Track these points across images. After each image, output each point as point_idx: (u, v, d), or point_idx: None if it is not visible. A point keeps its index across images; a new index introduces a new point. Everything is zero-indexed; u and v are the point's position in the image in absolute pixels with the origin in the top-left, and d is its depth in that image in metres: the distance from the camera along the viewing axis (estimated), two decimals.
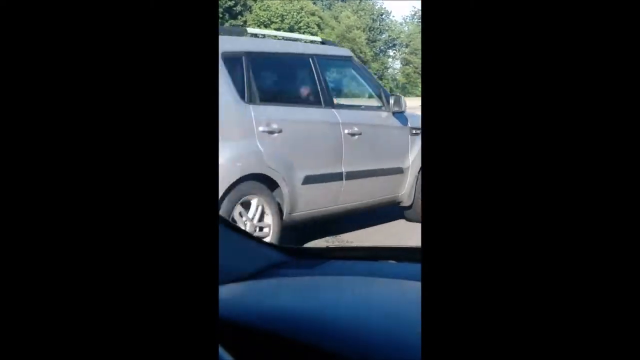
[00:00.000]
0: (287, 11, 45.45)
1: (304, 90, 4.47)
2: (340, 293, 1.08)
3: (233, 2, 44.21)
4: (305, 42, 4.88)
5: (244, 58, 3.92)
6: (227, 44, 3.87)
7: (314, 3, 52.20)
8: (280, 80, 4.50)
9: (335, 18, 54.42)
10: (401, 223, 5.11)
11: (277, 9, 45.36)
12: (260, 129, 3.84)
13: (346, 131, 4.35)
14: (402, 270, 1.29)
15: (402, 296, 1.02)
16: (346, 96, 6.27)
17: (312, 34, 45.89)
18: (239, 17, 44.84)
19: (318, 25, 47.59)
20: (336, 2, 60.22)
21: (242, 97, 3.83)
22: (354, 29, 52.99)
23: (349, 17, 54.38)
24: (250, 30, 4.55)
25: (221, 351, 0.65)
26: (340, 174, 4.31)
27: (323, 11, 53.80)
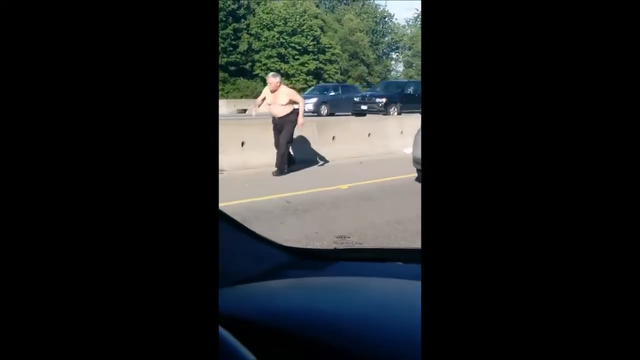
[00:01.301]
0: (290, 14, 45.55)
1: None
2: (350, 293, 1.09)
3: (236, 5, 44.35)
4: None
5: None
6: None
7: (317, 6, 52.32)
8: None
9: (338, 21, 54.56)
10: None
11: (280, 11, 45.47)
12: None
13: None
14: (409, 271, 1.30)
15: (409, 296, 1.03)
16: None
17: (314, 37, 46.06)
18: (242, 20, 44.98)
19: (321, 28, 47.69)
20: (339, 4, 60.35)
21: None
22: (357, 32, 53.08)
23: (352, 20, 54.48)
24: None
25: (239, 346, 0.65)
26: None
27: (326, 14, 53.92)
